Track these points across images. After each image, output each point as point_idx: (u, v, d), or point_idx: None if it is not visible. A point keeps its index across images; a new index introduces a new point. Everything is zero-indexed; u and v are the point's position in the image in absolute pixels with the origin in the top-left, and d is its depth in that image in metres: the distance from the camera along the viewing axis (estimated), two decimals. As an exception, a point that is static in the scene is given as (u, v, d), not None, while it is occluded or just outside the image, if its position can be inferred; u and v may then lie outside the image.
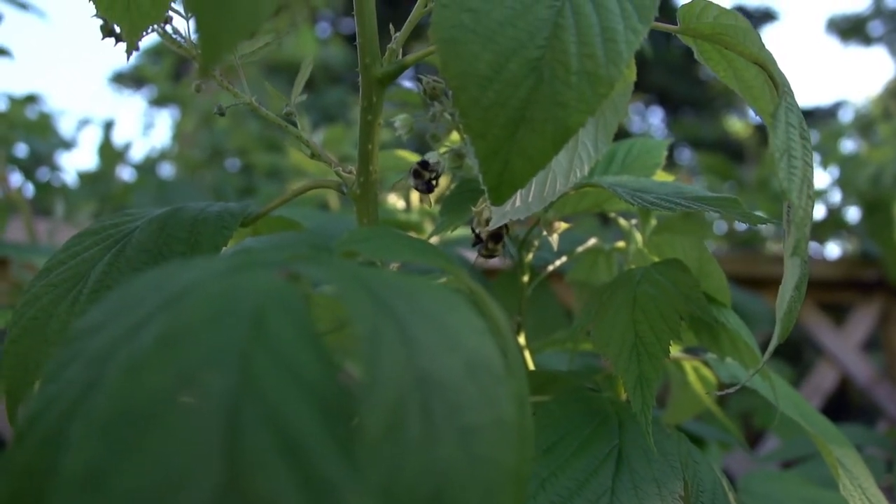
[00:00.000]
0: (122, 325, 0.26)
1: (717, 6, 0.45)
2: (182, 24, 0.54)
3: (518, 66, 0.36)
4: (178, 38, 0.54)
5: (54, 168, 2.29)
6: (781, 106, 0.43)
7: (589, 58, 0.36)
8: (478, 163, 0.37)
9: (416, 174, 0.51)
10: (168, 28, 0.53)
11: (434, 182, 0.52)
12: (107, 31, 0.55)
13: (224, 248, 0.48)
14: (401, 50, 0.47)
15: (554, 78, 0.36)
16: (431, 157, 0.52)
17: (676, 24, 0.48)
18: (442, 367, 0.23)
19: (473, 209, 0.54)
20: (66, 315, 0.47)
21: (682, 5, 0.46)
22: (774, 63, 0.45)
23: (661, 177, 0.64)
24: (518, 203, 0.51)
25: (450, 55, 0.36)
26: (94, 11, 0.53)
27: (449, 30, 0.37)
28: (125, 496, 0.19)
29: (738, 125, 3.19)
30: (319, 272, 0.27)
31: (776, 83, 0.45)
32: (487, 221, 0.53)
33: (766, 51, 0.45)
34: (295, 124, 0.52)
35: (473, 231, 0.55)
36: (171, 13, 0.53)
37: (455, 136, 0.57)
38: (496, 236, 0.54)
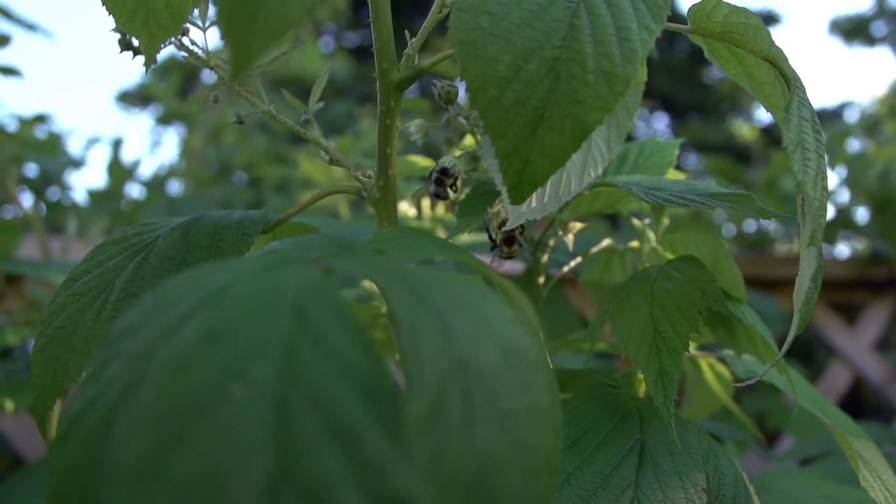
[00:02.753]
0: (160, 324, 0.26)
1: (728, 4, 0.46)
2: (199, 36, 0.55)
3: (536, 66, 0.37)
4: (196, 50, 0.54)
5: (64, 187, 2.31)
6: (794, 100, 0.44)
7: (605, 57, 0.37)
8: (498, 162, 0.38)
9: (439, 182, 0.52)
10: (185, 40, 0.54)
11: (454, 187, 0.53)
12: (124, 45, 0.56)
13: (246, 255, 0.49)
14: (417, 55, 0.48)
15: (571, 77, 0.37)
16: (448, 162, 0.52)
17: (686, 25, 0.49)
18: (479, 355, 0.24)
19: (490, 210, 0.55)
20: (92, 323, 0.48)
21: (693, 5, 0.47)
22: (785, 59, 0.46)
23: (674, 175, 0.65)
24: (534, 203, 0.52)
25: (469, 57, 0.37)
26: (113, 26, 0.53)
27: (468, 32, 0.37)
28: (180, 484, 0.20)
29: (743, 128, 3.20)
30: (356, 268, 0.27)
31: (787, 79, 0.46)
32: (504, 222, 0.53)
33: (777, 47, 0.46)
34: (313, 131, 0.52)
35: (489, 235, 0.56)
36: (187, 25, 0.54)
37: (469, 140, 0.57)
38: (509, 240, 0.55)
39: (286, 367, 0.22)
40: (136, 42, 0.55)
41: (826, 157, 0.45)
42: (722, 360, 0.70)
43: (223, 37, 0.29)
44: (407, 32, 0.49)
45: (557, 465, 0.26)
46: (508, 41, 0.37)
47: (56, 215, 2.16)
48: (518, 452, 0.23)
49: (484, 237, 0.59)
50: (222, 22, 0.29)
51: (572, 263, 0.68)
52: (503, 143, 0.37)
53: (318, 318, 0.23)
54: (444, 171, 0.51)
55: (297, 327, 0.23)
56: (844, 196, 2.08)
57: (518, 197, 0.38)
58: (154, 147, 3.19)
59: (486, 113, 0.37)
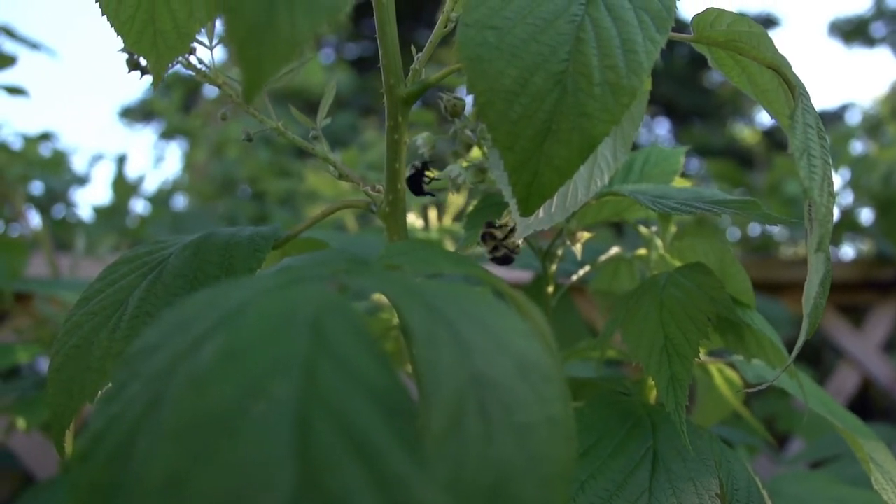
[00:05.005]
0: (179, 343, 0.27)
1: (731, 14, 0.46)
2: (206, 55, 0.55)
3: (543, 79, 0.37)
4: (202, 68, 0.55)
5: (69, 204, 2.32)
6: (798, 108, 0.44)
7: (610, 69, 0.38)
8: (507, 175, 0.38)
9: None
10: (192, 59, 0.55)
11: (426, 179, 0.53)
12: (132, 65, 0.56)
13: (258, 271, 0.49)
14: (423, 70, 0.49)
15: (578, 90, 0.37)
16: (453, 171, 0.53)
17: (689, 34, 0.49)
18: (494, 368, 0.24)
19: (498, 221, 0.55)
20: (107, 342, 0.48)
21: (696, 14, 0.47)
22: (789, 66, 0.47)
23: (680, 183, 0.65)
24: (541, 214, 0.52)
25: (476, 72, 0.38)
26: (120, 46, 0.54)
27: (474, 48, 0.38)
28: (204, 501, 0.20)
29: (746, 132, 3.20)
30: (370, 283, 0.28)
31: (791, 86, 0.47)
32: (512, 232, 0.54)
33: (780, 55, 0.46)
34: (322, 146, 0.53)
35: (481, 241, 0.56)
36: (194, 44, 0.54)
37: (476, 152, 0.58)
38: (485, 236, 0.55)
39: (306, 385, 0.22)
40: (143, 62, 0.55)
41: (831, 163, 0.45)
42: (732, 366, 0.70)
43: (236, 59, 0.30)
44: (413, 48, 0.49)
45: (572, 475, 0.27)
46: (514, 55, 0.38)
47: (62, 232, 2.16)
48: (535, 464, 0.24)
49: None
50: (234, 44, 0.29)
51: (581, 272, 0.68)
52: (511, 156, 0.38)
53: (335, 335, 0.24)
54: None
55: (316, 345, 0.23)
56: (848, 198, 2.08)
57: (527, 209, 0.39)
58: (157, 162, 3.20)
59: (493, 127, 0.37)
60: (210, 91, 2.96)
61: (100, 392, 0.47)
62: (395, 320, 0.68)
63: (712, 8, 0.47)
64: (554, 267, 0.65)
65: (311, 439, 0.21)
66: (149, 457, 0.23)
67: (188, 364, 0.25)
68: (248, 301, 0.27)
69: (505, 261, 0.55)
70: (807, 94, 0.46)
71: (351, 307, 0.25)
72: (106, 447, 0.26)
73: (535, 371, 0.26)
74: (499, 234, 0.54)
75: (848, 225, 2.11)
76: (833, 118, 5.39)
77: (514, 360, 0.25)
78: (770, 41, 0.46)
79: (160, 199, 2.56)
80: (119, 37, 0.53)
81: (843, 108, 5.68)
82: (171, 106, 2.79)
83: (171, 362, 0.26)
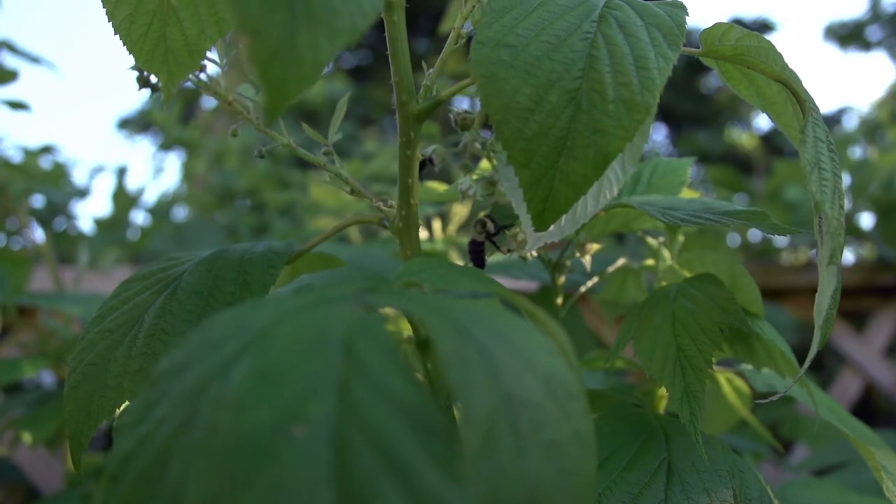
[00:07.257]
0: (208, 364, 0.27)
1: (740, 28, 0.47)
2: (215, 71, 0.56)
3: (557, 97, 0.38)
4: (212, 85, 0.55)
5: (70, 217, 2.32)
6: (808, 121, 0.45)
7: (624, 86, 0.38)
8: (521, 191, 0.38)
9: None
10: (202, 76, 0.55)
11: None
12: (143, 82, 0.56)
13: (273, 288, 0.49)
14: (434, 86, 0.49)
15: (592, 107, 0.38)
16: (464, 185, 0.53)
17: (696, 46, 0.49)
18: (523, 386, 0.25)
19: (507, 233, 0.56)
20: (123, 359, 0.48)
21: (705, 29, 0.48)
22: (798, 81, 0.47)
23: (688, 194, 0.65)
24: (552, 227, 0.52)
25: (491, 90, 0.38)
26: (132, 62, 0.54)
27: (489, 66, 0.38)
28: (244, 521, 0.21)
29: (743, 137, 3.21)
30: (396, 303, 0.28)
31: (801, 100, 0.47)
32: (523, 244, 0.54)
33: (790, 70, 0.47)
34: (333, 162, 0.53)
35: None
36: (205, 62, 0.55)
37: (485, 164, 0.58)
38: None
39: (342, 406, 0.22)
40: (154, 79, 0.56)
41: (842, 175, 0.46)
42: (740, 374, 0.70)
43: (258, 80, 0.30)
44: (424, 63, 0.50)
45: (595, 488, 0.27)
46: (529, 73, 0.38)
47: (63, 245, 2.17)
48: (565, 480, 0.24)
49: (502, 258, 0.60)
50: (257, 67, 0.30)
51: (589, 283, 0.68)
52: (527, 172, 0.38)
53: (367, 356, 0.24)
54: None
55: (349, 366, 0.24)
56: (848, 203, 2.09)
57: (542, 224, 0.39)
58: (157, 173, 3.21)
59: (509, 144, 0.38)
60: (208, 102, 2.97)
61: (118, 410, 0.47)
62: (406, 333, 0.69)
63: (720, 23, 0.47)
64: (563, 278, 0.66)
65: (349, 460, 0.21)
66: (184, 479, 0.24)
67: (219, 385, 0.25)
68: (276, 322, 0.27)
69: (478, 258, 0.55)
70: (816, 107, 0.47)
71: (380, 327, 0.26)
72: (136, 468, 0.26)
73: (561, 388, 0.26)
74: (485, 231, 0.55)
75: (849, 230, 2.12)
76: (830, 122, 5.41)
77: (541, 377, 0.26)
78: (779, 55, 0.47)
79: (160, 211, 2.57)
80: (130, 54, 0.53)
81: (840, 113, 5.70)
82: (169, 117, 2.79)
83: (202, 383, 0.26)
